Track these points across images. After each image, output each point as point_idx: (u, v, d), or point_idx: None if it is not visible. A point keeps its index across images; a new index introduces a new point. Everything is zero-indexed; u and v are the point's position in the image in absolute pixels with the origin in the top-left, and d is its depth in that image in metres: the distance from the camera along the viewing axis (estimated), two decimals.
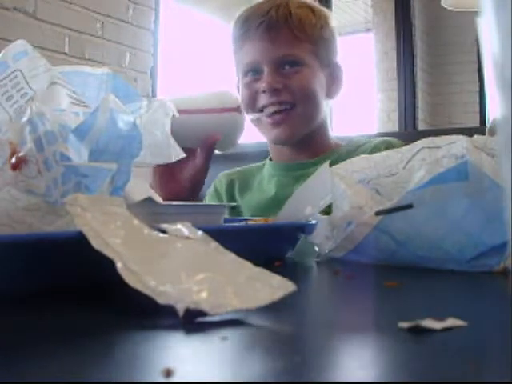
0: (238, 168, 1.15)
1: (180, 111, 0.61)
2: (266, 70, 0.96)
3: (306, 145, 1.02)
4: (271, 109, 0.96)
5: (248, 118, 1.01)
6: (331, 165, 0.53)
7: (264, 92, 0.96)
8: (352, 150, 1.01)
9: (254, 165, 1.15)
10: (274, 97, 0.95)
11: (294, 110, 0.96)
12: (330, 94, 1.03)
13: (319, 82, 1.00)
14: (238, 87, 1.05)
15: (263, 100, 0.97)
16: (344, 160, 0.59)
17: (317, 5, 1.03)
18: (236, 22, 1.01)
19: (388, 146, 0.96)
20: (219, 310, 0.26)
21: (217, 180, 1.14)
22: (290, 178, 1.02)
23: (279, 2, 0.98)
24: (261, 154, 1.15)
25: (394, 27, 3.92)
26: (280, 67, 0.96)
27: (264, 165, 1.11)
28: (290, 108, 0.96)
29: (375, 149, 0.96)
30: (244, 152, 1.35)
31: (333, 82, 1.03)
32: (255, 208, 1.03)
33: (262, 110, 0.98)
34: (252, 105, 0.98)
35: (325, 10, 1.04)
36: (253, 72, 0.98)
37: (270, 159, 1.10)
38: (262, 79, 0.96)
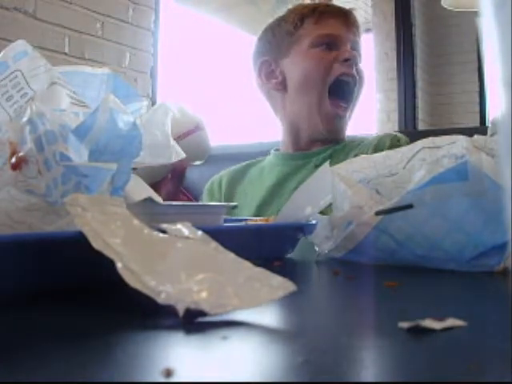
0: (228, 169, 1.16)
1: None
2: (344, 46, 1.01)
3: (324, 138, 1.05)
4: (346, 78, 0.99)
5: (301, 94, 1.02)
6: (331, 156, 0.53)
7: (346, 61, 0.99)
8: (356, 144, 1.02)
9: (248, 161, 1.16)
10: (352, 68, 1.00)
11: (352, 97, 1.02)
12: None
13: None
14: (272, 61, 1.06)
15: (342, 68, 0.99)
16: (343, 153, 0.59)
17: None
18: (304, 5, 1.07)
19: (393, 140, 0.97)
20: (219, 310, 0.26)
21: (210, 183, 1.15)
22: (291, 167, 1.03)
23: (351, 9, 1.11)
24: (261, 154, 1.15)
25: (394, 27, 3.92)
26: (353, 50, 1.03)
27: (265, 159, 1.12)
28: (352, 89, 1.01)
29: (381, 141, 0.98)
30: (244, 152, 1.35)
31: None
32: (255, 198, 1.04)
33: (331, 84, 0.99)
34: (323, 75, 1.00)
35: None
36: (327, 45, 1.02)
37: (276, 150, 1.11)
38: (340, 51, 1.01)
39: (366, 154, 0.95)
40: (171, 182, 0.78)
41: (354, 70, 1.00)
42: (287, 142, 1.08)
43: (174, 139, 0.69)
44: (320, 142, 1.04)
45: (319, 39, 1.01)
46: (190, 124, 0.73)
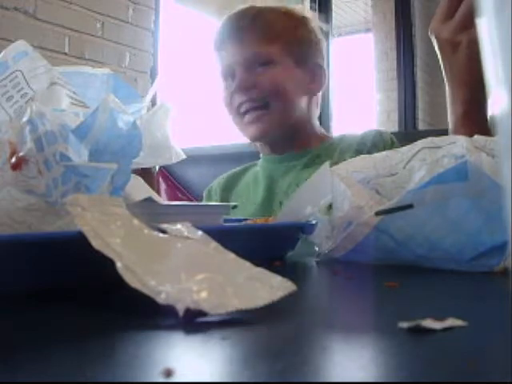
0: (225, 174, 1.17)
1: None
2: (238, 70, 0.99)
3: (289, 140, 1.04)
4: (244, 107, 0.99)
5: (231, 121, 1.05)
6: (318, 155, 0.53)
7: (236, 92, 0.98)
8: (337, 141, 1.02)
9: (246, 164, 1.17)
10: (245, 95, 0.98)
11: (268, 108, 0.99)
12: (309, 91, 1.04)
13: (294, 79, 1.02)
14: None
15: (237, 100, 1.00)
16: (330, 150, 0.59)
17: (294, 8, 1.07)
18: (216, 32, 1.05)
19: (375, 136, 0.97)
20: (219, 310, 0.26)
21: (209, 189, 1.16)
22: (279, 170, 1.04)
23: (250, 7, 1.03)
24: (258, 154, 1.15)
25: (394, 27, 3.92)
26: (251, 67, 0.99)
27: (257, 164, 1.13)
28: (263, 105, 0.99)
29: (365, 136, 0.98)
30: (243, 152, 1.35)
31: (312, 79, 1.04)
32: (251, 201, 1.05)
33: (238, 112, 1.01)
34: (229, 106, 1.02)
35: (305, 13, 1.08)
36: (230, 76, 1.02)
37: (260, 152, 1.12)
38: (234, 80, 0.99)
39: (350, 149, 0.96)
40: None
41: (250, 93, 0.98)
42: (260, 146, 1.11)
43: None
44: (287, 144, 1.04)
45: (223, 72, 1.04)
46: None
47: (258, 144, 1.08)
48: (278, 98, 0.99)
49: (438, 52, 0.73)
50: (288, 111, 1.01)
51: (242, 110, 0.99)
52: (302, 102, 1.03)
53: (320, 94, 1.08)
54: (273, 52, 0.99)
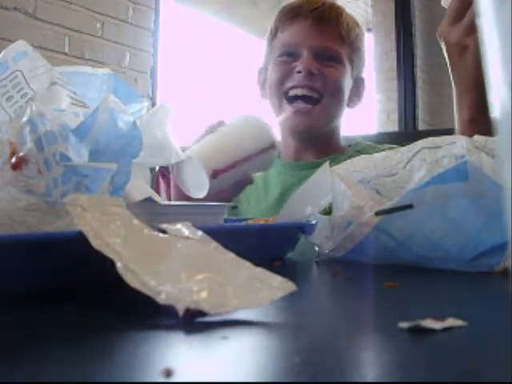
0: None
1: (218, 171, 0.60)
2: (305, 54, 0.98)
3: (318, 143, 1.04)
4: (299, 91, 0.97)
5: (269, 102, 1.02)
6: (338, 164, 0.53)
7: (299, 73, 0.96)
8: (352, 154, 1.02)
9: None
10: (307, 80, 0.96)
11: (319, 104, 0.98)
12: (349, 102, 1.06)
13: (348, 86, 1.03)
14: (264, 70, 1.06)
15: (296, 80, 0.97)
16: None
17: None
18: (284, 7, 1.04)
19: None
20: (219, 310, 0.26)
21: None
22: (296, 177, 1.03)
23: (333, 3, 1.04)
24: None
25: (394, 27, 3.92)
26: (318, 57, 0.98)
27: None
28: (316, 98, 0.97)
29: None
30: None
31: (355, 93, 1.06)
32: (259, 206, 1.04)
33: (287, 93, 0.98)
34: (280, 84, 0.99)
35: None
36: (289, 54, 1.00)
37: (279, 156, 1.10)
38: (299, 61, 0.97)
39: None
40: (231, 190, 0.72)
41: (314, 80, 0.96)
42: (283, 148, 1.10)
43: (250, 154, 0.68)
44: (311, 148, 1.04)
45: (282, 49, 1.02)
46: (267, 141, 0.72)
47: (284, 143, 1.06)
48: (334, 96, 0.99)
49: (445, 55, 0.73)
50: (335, 113, 1.02)
51: (292, 93, 0.97)
52: (344, 110, 1.04)
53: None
54: (343, 53, 1.01)
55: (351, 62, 1.03)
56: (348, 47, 1.02)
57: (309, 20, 0.99)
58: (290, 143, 1.06)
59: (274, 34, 1.05)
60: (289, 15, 1.02)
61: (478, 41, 0.67)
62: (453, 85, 0.74)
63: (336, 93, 0.99)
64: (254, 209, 1.03)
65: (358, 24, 1.06)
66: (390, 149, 1.01)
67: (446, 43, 0.72)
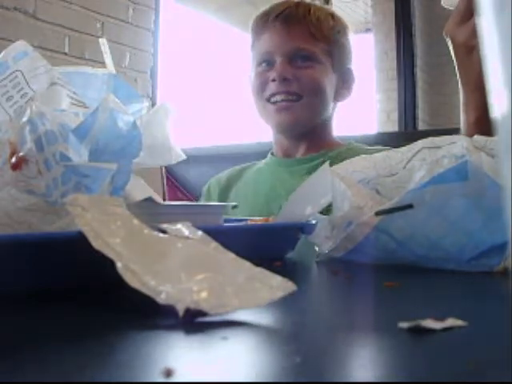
0: (225, 171, 1.17)
1: None
2: (278, 60, 0.99)
3: (308, 139, 1.04)
4: (278, 97, 0.99)
5: (255, 107, 1.05)
6: (329, 161, 0.53)
7: (274, 81, 0.98)
8: (344, 150, 1.03)
9: (249, 163, 1.16)
10: (282, 86, 0.98)
11: (300, 101, 0.99)
12: (338, 96, 1.06)
13: (329, 81, 1.03)
14: (251, 78, 1.08)
15: (272, 88, 0.99)
16: (338, 160, 0.60)
17: (338, 13, 1.08)
18: (257, 15, 1.05)
19: None
20: (219, 310, 0.26)
21: (208, 185, 1.16)
22: (285, 173, 1.04)
23: (301, 1, 1.03)
24: (261, 155, 1.15)
25: (394, 27, 3.92)
26: (293, 60, 0.99)
27: (262, 162, 1.12)
28: (296, 100, 0.99)
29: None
30: (244, 152, 1.35)
31: (343, 85, 1.06)
32: (249, 201, 1.05)
33: (269, 100, 1.01)
34: (260, 93, 1.02)
35: (345, 21, 1.09)
36: (266, 62, 1.01)
37: (272, 154, 1.11)
38: (274, 69, 0.99)
39: None
40: None
41: (289, 85, 0.98)
42: (275, 146, 1.11)
43: None
44: (302, 144, 1.05)
45: (259, 58, 1.03)
46: None
47: (276, 140, 1.08)
48: (313, 95, 1.00)
49: (452, 55, 0.73)
50: (319, 110, 1.02)
51: (274, 99, 1.00)
52: (331, 105, 1.05)
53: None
54: (317, 51, 1.01)
55: (330, 56, 1.02)
56: (323, 42, 1.01)
57: (277, 24, 1.00)
58: (281, 141, 1.08)
59: (252, 44, 1.07)
60: (260, 22, 1.03)
61: None
62: (459, 85, 0.74)
63: (316, 90, 1.00)
64: (245, 203, 1.04)
65: (332, 16, 1.04)
66: (381, 150, 1.02)
67: (452, 43, 0.71)
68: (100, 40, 0.60)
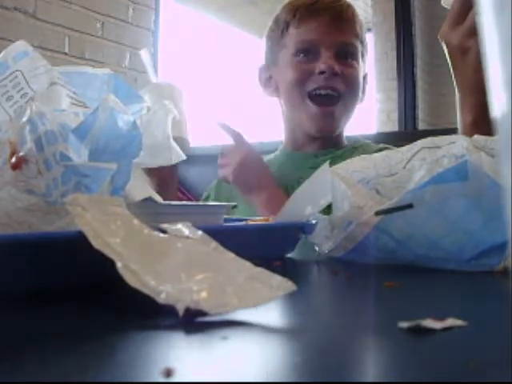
0: None
1: None
2: (326, 53, 0.96)
3: (325, 139, 1.03)
4: (323, 91, 0.95)
5: (289, 101, 1.00)
6: (335, 158, 0.53)
7: (321, 73, 0.94)
8: (350, 149, 1.02)
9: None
10: (329, 81, 0.95)
11: (339, 102, 0.97)
12: (361, 96, 1.06)
13: (361, 82, 1.02)
14: (266, 67, 1.05)
15: (318, 82, 0.95)
16: (343, 158, 0.60)
17: None
18: (297, 2, 1.01)
19: None
20: (219, 310, 0.26)
21: (217, 181, 1.15)
22: (291, 165, 1.03)
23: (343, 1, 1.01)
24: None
25: (394, 27, 3.92)
26: (339, 55, 0.97)
27: (271, 155, 1.12)
28: (336, 97, 0.96)
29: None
30: None
31: (363, 88, 1.05)
32: None
33: (310, 94, 0.96)
34: (300, 84, 0.97)
35: None
36: (306, 52, 0.97)
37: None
38: (319, 61, 0.95)
39: None
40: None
41: (337, 80, 0.95)
42: (286, 140, 1.10)
43: None
44: (318, 142, 1.04)
45: (299, 47, 0.98)
46: None
47: (292, 136, 1.06)
48: (353, 94, 0.99)
49: (447, 57, 0.73)
50: (351, 113, 1.02)
51: (315, 93, 0.96)
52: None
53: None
54: (359, 50, 1.00)
55: (363, 57, 1.02)
56: (361, 44, 1.01)
57: (327, 16, 0.97)
58: (298, 136, 1.05)
59: (284, 30, 1.01)
60: (306, 10, 0.98)
61: (479, 43, 0.67)
62: (455, 87, 0.74)
63: (354, 91, 0.99)
64: None
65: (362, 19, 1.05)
66: (385, 148, 1.01)
67: (447, 46, 0.71)
68: (141, 52, 0.59)
